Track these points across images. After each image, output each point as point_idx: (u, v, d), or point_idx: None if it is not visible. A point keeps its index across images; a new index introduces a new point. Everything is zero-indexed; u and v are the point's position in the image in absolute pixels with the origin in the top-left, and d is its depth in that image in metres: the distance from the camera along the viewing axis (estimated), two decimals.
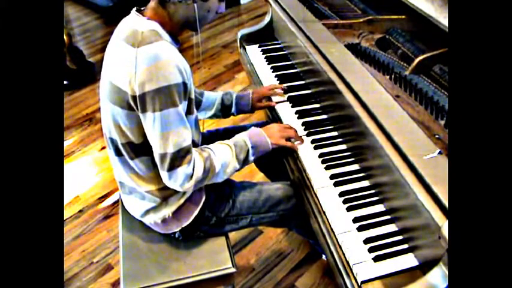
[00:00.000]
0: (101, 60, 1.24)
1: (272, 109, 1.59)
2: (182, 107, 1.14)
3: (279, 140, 1.33)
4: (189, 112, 1.19)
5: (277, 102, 1.57)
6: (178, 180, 1.16)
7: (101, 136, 2.66)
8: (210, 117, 1.59)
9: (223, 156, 1.24)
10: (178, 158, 1.13)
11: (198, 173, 1.17)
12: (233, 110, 1.57)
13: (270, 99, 1.59)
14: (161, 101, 1.09)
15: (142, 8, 1.20)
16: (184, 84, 1.12)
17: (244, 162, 1.29)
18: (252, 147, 1.28)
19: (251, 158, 1.29)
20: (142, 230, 1.40)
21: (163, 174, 1.16)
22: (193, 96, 1.21)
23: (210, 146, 1.26)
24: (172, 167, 1.14)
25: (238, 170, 1.29)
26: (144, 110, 1.11)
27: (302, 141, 1.37)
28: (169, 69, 1.08)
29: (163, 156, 1.13)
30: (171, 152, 1.12)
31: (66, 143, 2.65)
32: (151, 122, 1.11)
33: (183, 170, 1.15)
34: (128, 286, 1.28)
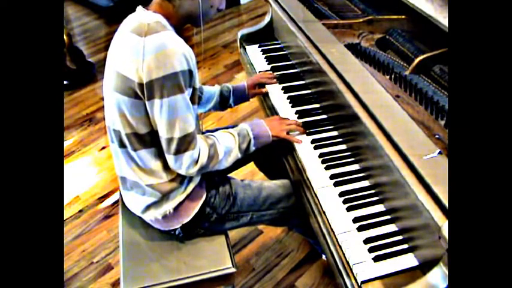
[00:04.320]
0: (101, 60, 1.26)
1: (272, 108, 1.59)
2: (187, 93, 1.16)
3: (280, 132, 1.37)
4: (191, 101, 1.20)
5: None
6: (184, 165, 1.19)
7: (101, 136, 2.66)
8: (209, 110, 1.64)
9: (227, 145, 1.28)
10: (185, 143, 1.17)
11: (203, 159, 1.21)
12: (231, 100, 1.63)
13: (262, 87, 1.66)
14: (168, 88, 1.11)
15: (146, 7, 1.23)
16: (190, 71, 1.15)
17: (245, 152, 1.33)
18: (253, 137, 1.33)
19: (252, 148, 1.34)
20: (143, 229, 1.40)
21: (169, 157, 1.19)
22: (197, 86, 1.23)
23: (215, 133, 1.30)
24: (178, 151, 1.17)
25: (239, 158, 1.32)
26: (151, 97, 1.13)
27: (303, 132, 1.39)
28: (176, 57, 1.10)
29: (169, 140, 1.16)
30: (178, 137, 1.16)
31: (66, 143, 2.65)
32: (158, 108, 1.13)
33: (189, 155, 1.18)
34: (127, 286, 1.28)
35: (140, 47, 1.12)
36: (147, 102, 1.15)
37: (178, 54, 1.11)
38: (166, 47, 1.11)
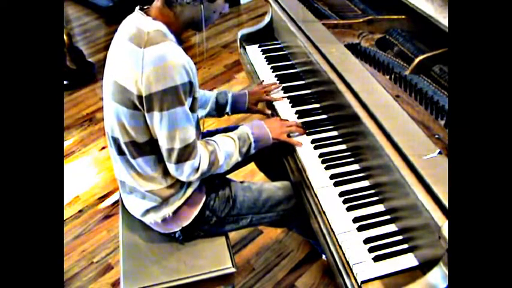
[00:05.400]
0: (101, 60, 1.25)
1: (272, 107, 1.59)
2: (187, 104, 1.15)
3: (280, 135, 1.36)
4: (191, 110, 1.20)
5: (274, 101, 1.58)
6: (185, 173, 1.19)
7: (101, 136, 2.66)
8: (205, 116, 1.59)
9: (227, 149, 1.27)
10: (185, 153, 1.16)
11: (204, 166, 1.21)
12: (228, 109, 1.58)
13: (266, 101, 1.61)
14: (168, 101, 1.10)
15: (145, 7, 1.20)
16: (190, 83, 1.14)
17: (245, 155, 1.32)
18: (254, 141, 1.32)
19: (252, 151, 1.33)
20: (143, 230, 1.40)
21: (170, 166, 1.19)
22: (197, 95, 1.22)
23: (215, 138, 1.29)
24: (179, 161, 1.17)
25: (239, 161, 1.32)
26: (150, 110, 1.12)
27: (303, 133, 1.39)
28: (176, 70, 1.09)
29: (170, 151, 1.16)
30: (178, 148, 1.15)
31: (66, 143, 2.65)
32: (158, 120, 1.13)
33: (189, 164, 1.18)
34: (127, 286, 1.28)
35: (139, 58, 1.10)
36: (146, 114, 1.14)
37: (178, 66, 1.09)
38: (166, 59, 1.08)
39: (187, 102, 1.15)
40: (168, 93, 1.09)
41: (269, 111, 1.61)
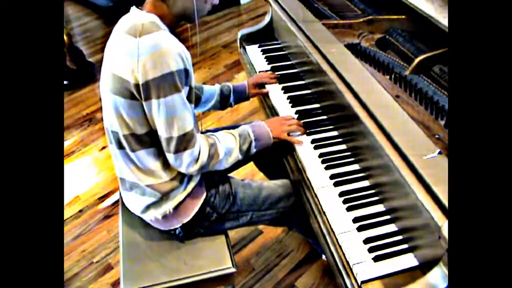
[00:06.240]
0: (101, 60, 1.25)
1: (272, 108, 1.59)
2: (184, 92, 1.16)
3: (281, 133, 1.37)
4: (189, 100, 1.20)
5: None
6: (184, 163, 1.19)
7: (101, 136, 2.66)
8: (209, 110, 1.65)
9: (228, 145, 1.28)
10: (184, 141, 1.17)
11: (203, 157, 1.21)
12: (231, 99, 1.64)
13: (263, 87, 1.67)
14: (165, 88, 1.11)
15: (140, 7, 1.22)
16: (186, 70, 1.15)
17: (246, 153, 1.32)
18: (254, 139, 1.32)
19: (253, 149, 1.33)
20: (143, 229, 1.40)
21: (170, 156, 1.19)
22: (193, 85, 1.23)
23: (216, 133, 1.30)
24: (178, 150, 1.17)
25: (239, 159, 1.32)
26: (148, 98, 1.13)
27: (304, 132, 1.39)
28: (171, 57, 1.10)
29: (169, 140, 1.16)
30: (176, 136, 1.16)
31: (66, 143, 2.65)
32: (156, 108, 1.13)
33: (188, 153, 1.18)
34: (127, 286, 1.28)
35: (135, 47, 1.11)
36: (144, 103, 1.15)
37: (173, 53, 1.11)
38: (160, 47, 1.10)
39: (184, 90, 1.16)
40: (165, 79, 1.10)
41: (269, 112, 1.61)
